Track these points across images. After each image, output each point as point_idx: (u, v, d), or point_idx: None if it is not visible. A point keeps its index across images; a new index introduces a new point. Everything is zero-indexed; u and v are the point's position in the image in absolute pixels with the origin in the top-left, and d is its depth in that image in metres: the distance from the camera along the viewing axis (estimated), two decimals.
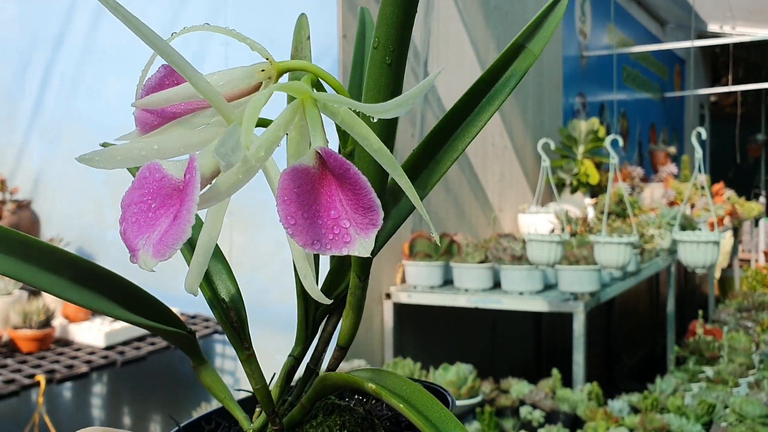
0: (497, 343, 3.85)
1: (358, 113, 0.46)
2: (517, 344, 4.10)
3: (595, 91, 5.78)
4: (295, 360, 0.59)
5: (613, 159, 2.67)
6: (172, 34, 0.51)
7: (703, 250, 2.23)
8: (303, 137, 0.48)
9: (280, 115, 0.46)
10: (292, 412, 0.58)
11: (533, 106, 4.59)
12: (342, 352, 0.59)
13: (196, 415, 2.14)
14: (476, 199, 3.86)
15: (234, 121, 0.45)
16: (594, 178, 4.33)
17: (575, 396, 2.40)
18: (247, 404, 0.62)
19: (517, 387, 2.58)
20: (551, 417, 2.34)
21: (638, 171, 5.12)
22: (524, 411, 2.36)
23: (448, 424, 0.46)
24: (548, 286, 2.94)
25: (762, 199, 9.35)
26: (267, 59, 0.50)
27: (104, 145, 0.62)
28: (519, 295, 2.81)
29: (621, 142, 2.76)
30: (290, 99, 0.50)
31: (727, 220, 5.54)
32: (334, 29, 2.80)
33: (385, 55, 0.48)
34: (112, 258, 3.22)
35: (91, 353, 2.61)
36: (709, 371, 3.42)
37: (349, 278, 0.57)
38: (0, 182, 2.95)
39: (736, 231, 6.51)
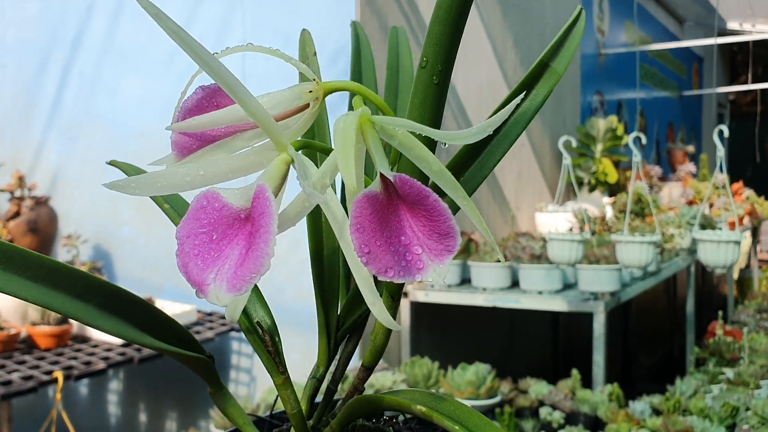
0: (515, 343, 3.83)
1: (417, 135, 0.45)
2: (535, 344, 4.07)
3: (613, 89, 5.73)
4: (318, 381, 0.59)
5: (635, 157, 2.64)
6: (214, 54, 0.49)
7: (723, 250, 2.20)
8: (359, 161, 0.47)
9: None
10: None
11: (551, 103, 4.55)
12: (367, 373, 0.58)
13: (214, 414, 2.12)
14: (494, 197, 3.84)
15: (286, 145, 0.44)
16: (612, 176, 4.29)
17: (595, 397, 2.37)
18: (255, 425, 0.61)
19: (536, 387, 2.55)
20: (571, 418, 2.32)
21: (656, 170, 5.07)
22: (544, 412, 2.34)
23: None
24: (567, 286, 2.92)
25: None
26: (314, 80, 0.49)
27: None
28: (538, 294, 2.78)
29: (643, 140, 2.72)
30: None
31: (746, 220, 5.47)
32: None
33: (432, 75, 0.48)
34: (128, 255, 3.23)
35: (108, 350, 2.61)
36: (729, 373, 3.38)
37: (362, 305, 0.57)
38: (18, 179, 2.96)
39: (755, 231, 6.44)
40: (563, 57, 0.55)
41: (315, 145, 0.50)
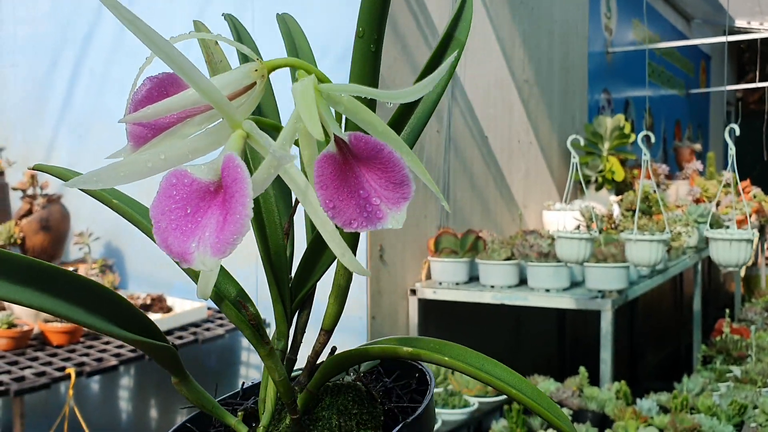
0: (521, 341, 3.84)
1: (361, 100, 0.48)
2: (541, 342, 4.09)
3: (620, 88, 5.73)
4: (281, 353, 0.61)
5: (645, 155, 2.65)
6: (168, 39, 0.51)
7: (735, 248, 2.21)
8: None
9: (294, 110, 0.48)
10: (300, 398, 0.59)
11: (558, 102, 4.56)
12: (327, 336, 0.61)
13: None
14: (501, 195, 3.85)
15: (240, 121, 0.46)
16: (619, 174, 4.30)
17: (603, 395, 2.39)
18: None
19: (543, 385, 2.57)
20: (579, 415, 2.33)
21: (663, 168, 5.08)
22: None
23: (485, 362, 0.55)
24: (575, 284, 2.93)
25: None
26: (258, 59, 0.51)
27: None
28: (545, 292, 2.80)
29: (652, 138, 2.73)
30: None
31: (753, 218, 5.47)
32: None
33: (369, 44, 0.51)
34: (139, 252, 3.25)
35: (120, 346, 2.64)
36: (736, 371, 3.39)
37: (318, 270, 0.60)
38: (31, 177, 2.99)
39: (762, 229, 6.43)
40: (463, 27, 0.60)
41: (264, 122, 0.52)
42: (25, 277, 0.48)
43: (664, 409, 2.32)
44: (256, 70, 0.50)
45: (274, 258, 0.61)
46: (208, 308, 3.03)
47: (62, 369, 2.39)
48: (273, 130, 0.51)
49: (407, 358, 0.56)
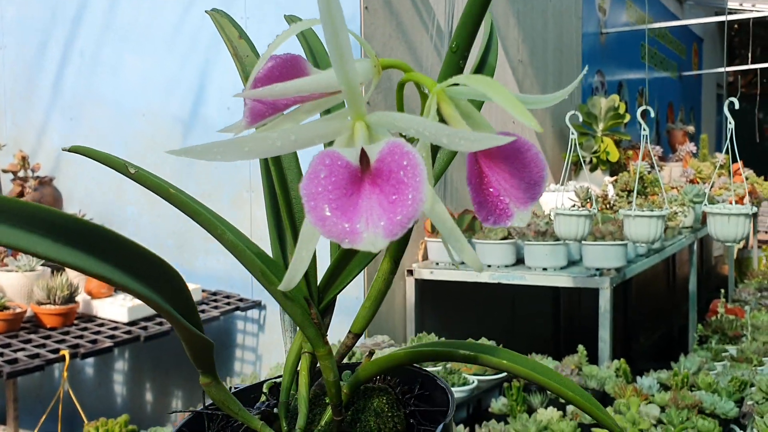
0: (518, 320, 3.84)
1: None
2: (538, 321, 4.08)
3: (614, 69, 5.71)
4: (311, 356, 0.61)
5: (645, 131, 2.63)
6: (276, 37, 0.52)
7: (734, 223, 2.20)
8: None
9: (426, 111, 0.50)
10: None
11: (552, 83, 4.54)
12: (354, 339, 0.61)
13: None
14: None
15: (364, 114, 0.48)
16: (614, 155, 4.29)
17: (602, 372, 2.38)
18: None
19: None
20: None
21: (657, 149, 5.07)
22: None
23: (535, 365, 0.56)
24: (572, 262, 2.92)
25: None
26: (375, 55, 0.52)
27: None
28: (543, 271, 2.79)
29: (652, 113, 2.72)
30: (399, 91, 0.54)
31: (746, 200, 5.48)
32: (355, 45, 2.76)
33: (460, 59, 0.54)
34: (131, 234, 3.22)
35: (114, 328, 2.61)
36: (732, 350, 3.39)
37: (342, 278, 0.60)
38: (22, 159, 2.95)
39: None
40: (492, 52, 0.66)
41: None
42: (51, 229, 0.46)
43: (664, 387, 2.31)
44: (375, 66, 0.51)
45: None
46: (203, 290, 3.01)
47: (56, 351, 2.37)
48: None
49: (462, 360, 0.57)
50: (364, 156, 0.44)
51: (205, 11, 0.67)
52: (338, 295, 0.61)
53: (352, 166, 0.44)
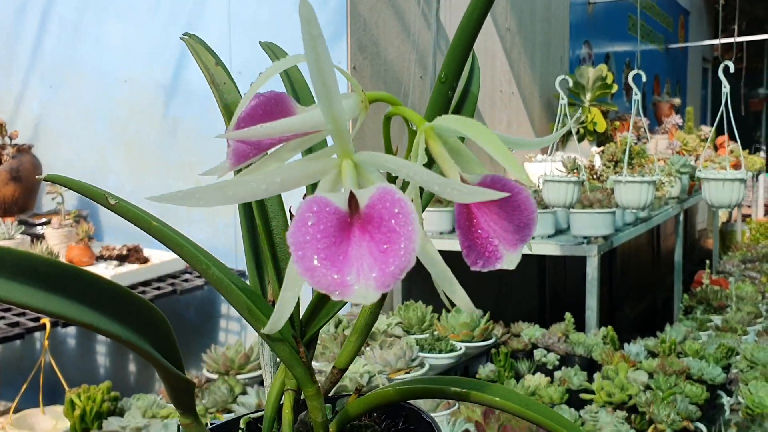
0: (506, 288, 3.83)
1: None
2: (525, 289, 4.08)
3: (601, 41, 5.68)
4: (295, 393, 0.60)
5: (636, 95, 2.61)
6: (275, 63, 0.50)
7: (728, 188, 2.18)
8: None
9: (414, 149, 0.50)
10: None
11: (541, 54, 4.50)
12: (339, 374, 0.60)
13: (206, 359, 2.08)
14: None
15: (352, 153, 0.46)
16: (601, 125, 4.27)
17: (590, 340, 2.37)
18: None
19: (529, 331, 2.55)
20: (566, 360, 2.32)
21: (644, 121, 5.05)
22: (538, 354, 2.34)
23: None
24: (559, 231, 2.90)
25: (762, 153, 9.31)
26: (362, 90, 0.51)
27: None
28: (530, 239, 2.77)
29: (644, 77, 2.69)
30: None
31: (740, 169, 5.49)
32: (343, 7, 2.71)
33: (448, 89, 0.54)
34: None
35: None
36: (717, 320, 3.41)
37: (326, 311, 0.59)
38: None
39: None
40: (475, 81, 0.66)
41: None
42: (31, 275, 0.45)
43: (651, 354, 2.31)
44: (362, 102, 0.50)
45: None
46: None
47: (37, 319, 2.33)
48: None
49: (453, 398, 0.57)
50: (352, 199, 0.42)
51: (180, 37, 0.66)
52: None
53: (341, 211, 0.42)
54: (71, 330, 3.23)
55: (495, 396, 0.55)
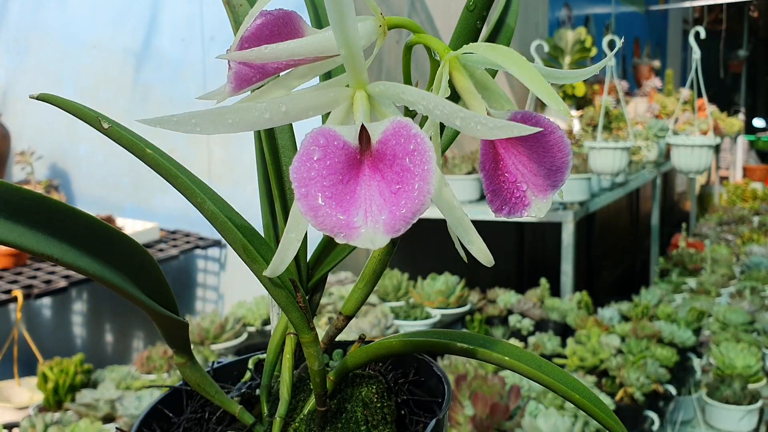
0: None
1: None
2: (502, 255, 4.10)
3: (581, 3, 5.63)
4: (297, 337, 0.56)
5: (610, 62, 2.59)
6: None
7: (697, 155, 2.18)
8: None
9: (436, 81, 0.45)
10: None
11: (520, 13, 4.45)
12: (346, 321, 0.57)
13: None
14: None
15: (367, 83, 0.42)
16: (580, 89, 4.25)
17: (564, 305, 2.39)
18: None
19: (504, 297, 2.56)
20: (540, 325, 2.33)
21: (623, 84, 5.04)
22: (513, 320, 2.35)
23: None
24: None
25: (741, 116, 9.35)
26: (381, 14, 0.46)
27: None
28: (562, 184, 2.76)
29: (619, 43, 2.66)
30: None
31: (710, 136, 5.50)
32: None
33: (477, 20, 0.49)
34: (85, 173, 3.12)
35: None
36: (692, 282, 3.45)
37: (334, 255, 0.56)
38: None
39: (717, 147, 6.49)
40: (512, 13, 0.58)
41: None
42: (17, 212, 0.42)
43: (625, 318, 2.33)
44: (380, 26, 0.45)
45: None
46: (161, 229, 2.94)
47: (8, 292, 2.30)
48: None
49: (460, 353, 0.53)
50: (364, 134, 0.38)
51: None
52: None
53: (350, 147, 0.39)
54: (46, 301, 3.20)
55: (504, 355, 0.50)
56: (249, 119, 0.41)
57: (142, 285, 0.50)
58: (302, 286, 0.56)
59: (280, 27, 0.46)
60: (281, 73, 0.47)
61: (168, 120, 0.40)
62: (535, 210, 0.42)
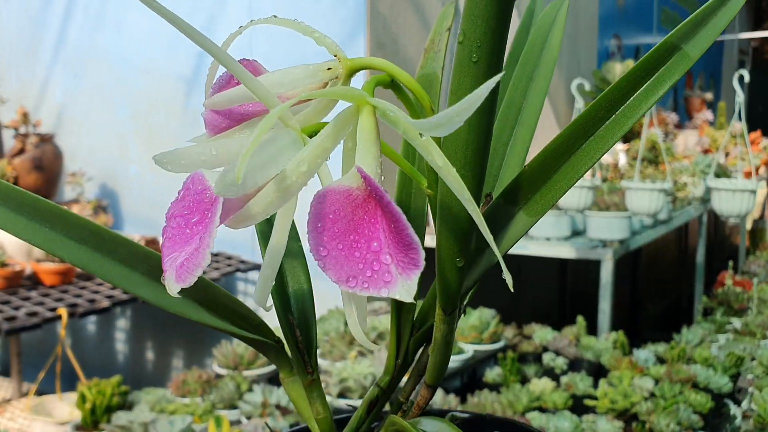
0: (521, 289, 3.81)
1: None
2: (541, 291, 4.06)
3: (632, 33, 5.59)
4: (381, 390, 0.53)
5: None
6: (239, 28, 0.46)
7: (738, 199, 2.15)
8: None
9: (332, 122, 0.40)
10: None
11: (567, 46, 4.44)
12: (429, 391, 0.52)
13: (217, 353, 2.10)
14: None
15: (291, 127, 0.40)
16: None
17: (600, 344, 2.36)
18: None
19: (540, 333, 2.54)
20: (574, 365, 2.31)
21: (672, 117, 4.98)
22: (547, 358, 2.33)
23: None
24: (576, 233, 2.88)
25: None
26: (335, 56, 0.43)
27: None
28: (546, 240, 2.75)
29: None
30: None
31: (762, 170, 5.39)
32: (362, 5, 2.69)
33: (471, 52, 0.41)
34: (135, 194, 3.21)
35: (113, 288, 2.61)
36: (736, 323, 3.36)
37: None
38: (22, 115, 2.93)
39: None
40: (701, 39, 0.45)
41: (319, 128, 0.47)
42: (122, 257, 0.50)
43: (660, 360, 2.29)
44: (329, 69, 0.42)
45: None
46: None
47: (54, 309, 2.38)
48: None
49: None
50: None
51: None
52: None
53: (212, 192, 0.39)
54: (91, 317, 3.29)
55: None
56: (193, 161, 0.42)
57: (238, 323, 0.52)
58: (403, 337, 0.53)
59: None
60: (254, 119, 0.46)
61: (159, 157, 0.43)
62: (401, 290, 0.36)
